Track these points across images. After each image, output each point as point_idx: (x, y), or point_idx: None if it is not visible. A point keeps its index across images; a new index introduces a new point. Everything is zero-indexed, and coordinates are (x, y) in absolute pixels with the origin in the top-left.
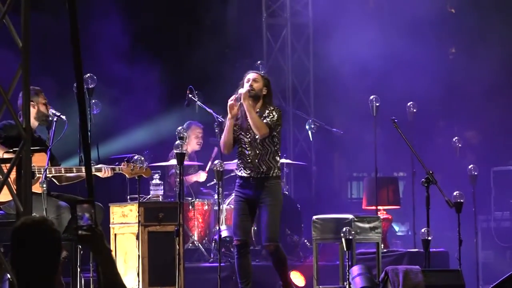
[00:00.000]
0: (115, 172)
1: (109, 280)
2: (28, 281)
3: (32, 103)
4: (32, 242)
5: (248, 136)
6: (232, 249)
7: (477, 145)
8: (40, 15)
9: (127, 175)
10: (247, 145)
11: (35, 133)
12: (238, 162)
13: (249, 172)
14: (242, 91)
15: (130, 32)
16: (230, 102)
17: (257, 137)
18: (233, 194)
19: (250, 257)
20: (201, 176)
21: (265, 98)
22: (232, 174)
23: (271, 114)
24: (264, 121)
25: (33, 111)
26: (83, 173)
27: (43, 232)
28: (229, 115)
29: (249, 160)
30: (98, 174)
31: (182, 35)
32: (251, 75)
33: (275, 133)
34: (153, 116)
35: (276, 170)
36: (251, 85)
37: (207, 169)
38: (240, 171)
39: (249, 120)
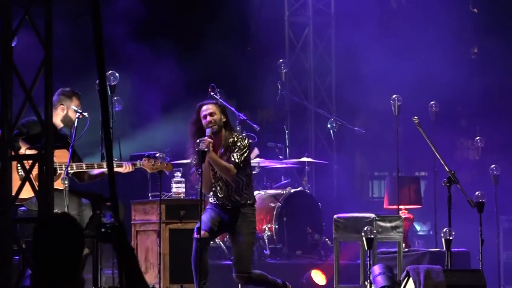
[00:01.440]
0: (136, 167)
1: (131, 277)
2: (50, 277)
3: (62, 106)
4: (54, 238)
5: (217, 175)
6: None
7: (499, 145)
8: (62, 10)
9: (148, 170)
10: (217, 183)
11: (58, 130)
12: (211, 195)
13: (222, 203)
14: (204, 143)
15: (152, 28)
16: (203, 142)
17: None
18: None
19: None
20: None
21: (226, 126)
22: (254, 172)
23: (236, 147)
24: (232, 159)
25: (61, 114)
26: (105, 170)
27: (65, 228)
28: (204, 162)
29: (221, 195)
30: (119, 169)
31: (204, 32)
32: (206, 110)
33: (244, 165)
34: (174, 113)
35: (251, 198)
36: (211, 126)
37: None
38: (213, 200)
39: (217, 169)
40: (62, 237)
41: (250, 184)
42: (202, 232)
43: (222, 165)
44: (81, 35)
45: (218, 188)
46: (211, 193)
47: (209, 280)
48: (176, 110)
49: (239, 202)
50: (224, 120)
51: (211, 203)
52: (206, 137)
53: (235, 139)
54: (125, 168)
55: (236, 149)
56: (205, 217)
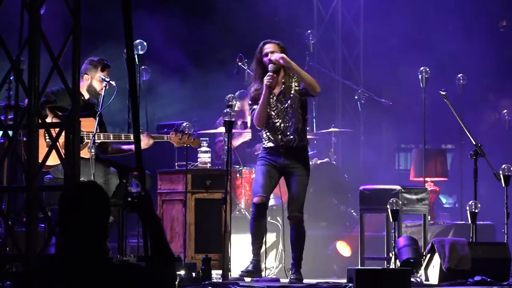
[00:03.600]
0: (162, 140)
1: (157, 247)
2: (76, 245)
3: (86, 75)
4: (80, 205)
5: (274, 109)
6: (278, 217)
7: None
8: None
9: (175, 144)
10: (275, 117)
11: (86, 99)
12: (266, 135)
13: (279, 142)
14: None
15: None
16: (268, 81)
17: (287, 105)
18: (260, 158)
19: (265, 218)
20: (246, 136)
21: (285, 67)
22: None
23: (294, 80)
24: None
25: (85, 84)
26: (132, 147)
27: (91, 196)
28: (265, 91)
29: (279, 133)
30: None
31: (233, 3)
32: (267, 48)
33: (305, 100)
34: (201, 81)
35: (306, 139)
36: (271, 60)
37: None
38: (268, 142)
39: (304, 79)
40: (88, 206)
41: (306, 126)
42: (258, 197)
43: (309, 77)
44: (108, 5)
45: (277, 124)
46: (268, 135)
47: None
48: (203, 78)
49: (295, 142)
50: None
51: (264, 149)
52: (268, 74)
53: (292, 79)
54: (145, 142)
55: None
56: (259, 177)
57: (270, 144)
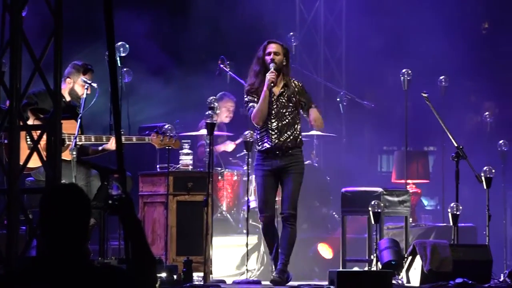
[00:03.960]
0: (144, 142)
1: (138, 249)
2: (56, 247)
3: (69, 79)
4: (60, 207)
5: (274, 110)
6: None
7: (507, 120)
8: None
9: (156, 146)
10: (273, 117)
11: (68, 102)
12: (261, 135)
13: (275, 142)
14: (269, 76)
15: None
16: (272, 76)
17: (287, 107)
18: (258, 164)
19: (275, 226)
20: (229, 147)
21: (284, 68)
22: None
23: (298, 88)
24: (313, 105)
25: (67, 87)
26: (106, 145)
27: (72, 197)
28: (266, 88)
29: (275, 132)
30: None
31: (215, 5)
32: (271, 48)
33: (302, 103)
34: (184, 83)
35: (300, 139)
36: (273, 61)
37: (237, 141)
38: (263, 143)
39: (317, 122)
40: (69, 208)
41: (300, 126)
42: (264, 217)
43: (321, 119)
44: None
45: (274, 125)
46: (263, 135)
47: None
48: (186, 80)
49: (290, 142)
50: (284, 63)
51: (260, 153)
52: (271, 71)
53: (300, 84)
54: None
55: (307, 95)
56: (261, 193)
57: (266, 146)
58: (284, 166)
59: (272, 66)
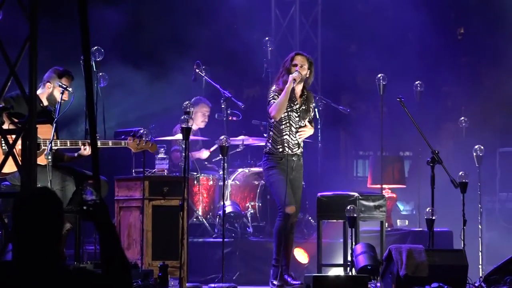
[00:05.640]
0: (120, 146)
1: (112, 255)
2: (29, 250)
3: (49, 83)
4: (33, 211)
5: (295, 121)
6: (236, 224)
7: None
8: None
9: (133, 150)
10: (293, 123)
11: (44, 106)
12: (277, 140)
13: (292, 149)
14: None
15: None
16: (296, 75)
17: (303, 120)
18: (273, 166)
19: None
20: (204, 154)
21: (307, 80)
22: (238, 150)
23: (311, 108)
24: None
25: (46, 92)
26: (81, 151)
27: (44, 201)
28: (289, 83)
29: (292, 138)
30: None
31: (191, 9)
32: (300, 61)
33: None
34: (158, 89)
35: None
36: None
37: (212, 149)
38: (280, 147)
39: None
40: (41, 211)
41: None
42: (292, 207)
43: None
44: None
45: (293, 130)
46: (279, 140)
47: (196, 256)
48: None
49: (299, 149)
50: (308, 76)
51: (272, 155)
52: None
53: (313, 101)
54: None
55: (311, 112)
56: (282, 187)
57: (283, 150)
58: (293, 171)
59: (297, 72)
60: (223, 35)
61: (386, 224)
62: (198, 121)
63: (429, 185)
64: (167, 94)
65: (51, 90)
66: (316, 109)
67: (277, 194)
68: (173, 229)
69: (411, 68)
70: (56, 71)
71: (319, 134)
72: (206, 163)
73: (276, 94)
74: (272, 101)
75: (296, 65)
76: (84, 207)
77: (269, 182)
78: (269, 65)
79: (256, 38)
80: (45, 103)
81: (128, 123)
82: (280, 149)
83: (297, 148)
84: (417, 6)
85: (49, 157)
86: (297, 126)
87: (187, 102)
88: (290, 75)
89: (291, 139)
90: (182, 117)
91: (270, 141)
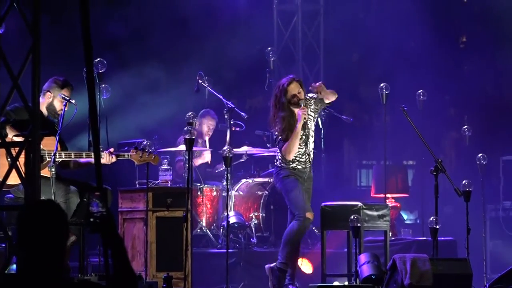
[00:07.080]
0: (123, 158)
1: (119, 266)
2: (34, 263)
3: (49, 93)
4: (37, 224)
5: (301, 138)
6: (240, 235)
7: (487, 134)
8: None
9: (135, 162)
10: (301, 142)
11: (45, 117)
12: (291, 162)
13: (306, 164)
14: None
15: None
16: (304, 112)
17: (309, 130)
18: (289, 175)
19: None
20: (206, 156)
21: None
22: (241, 160)
23: (311, 102)
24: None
25: (46, 101)
26: (91, 160)
27: (48, 214)
28: (299, 124)
29: (303, 153)
30: (102, 161)
31: (194, 21)
32: (294, 89)
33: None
34: (162, 100)
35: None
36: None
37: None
38: (294, 164)
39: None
40: (45, 224)
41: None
42: (312, 214)
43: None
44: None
45: (303, 150)
46: (293, 159)
47: (197, 268)
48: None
49: (310, 160)
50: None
51: (290, 170)
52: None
53: (308, 97)
54: (106, 159)
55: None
56: (301, 195)
57: (296, 166)
58: (307, 181)
59: (302, 103)
60: (225, 45)
61: (390, 233)
62: (203, 133)
63: (432, 194)
64: (171, 105)
65: (51, 100)
66: (319, 119)
67: (296, 200)
68: (177, 240)
69: (414, 77)
70: (57, 81)
71: (322, 144)
72: (209, 170)
73: (283, 134)
74: (281, 141)
75: (294, 96)
76: (91, 219)
77: (286, 190)
78: (272, 75)
79: (258, 48)
80: (45, 112)
81: (131, 135)
82: (293, 164)
83: (307, 159)
84: (420, 15)
85: (53, 169)
86: (312, 130)
87: (190, 113)
88: (299, 113)
89: (301, 156)
90: (186, 128)
91: (280, 157)
